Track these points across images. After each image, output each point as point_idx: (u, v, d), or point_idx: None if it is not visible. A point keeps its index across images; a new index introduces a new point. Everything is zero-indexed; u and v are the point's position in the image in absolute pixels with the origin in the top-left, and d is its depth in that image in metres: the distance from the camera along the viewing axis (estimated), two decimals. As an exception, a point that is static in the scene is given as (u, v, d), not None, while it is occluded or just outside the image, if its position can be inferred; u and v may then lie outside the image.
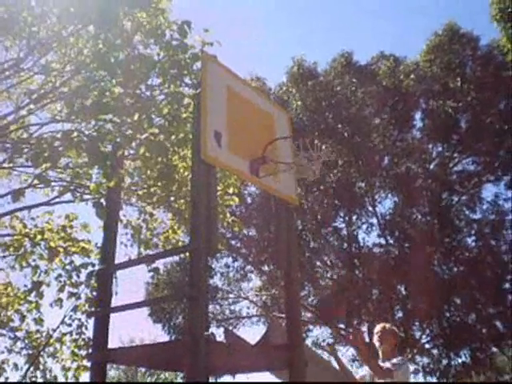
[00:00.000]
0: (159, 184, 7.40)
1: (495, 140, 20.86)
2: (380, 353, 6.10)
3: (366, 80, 21.96)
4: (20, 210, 7.80)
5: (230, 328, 21.96)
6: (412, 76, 21.57)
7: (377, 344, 6.13)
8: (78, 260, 8.55)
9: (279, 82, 23.54)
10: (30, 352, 8.80)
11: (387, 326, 6.22)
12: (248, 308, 24.72)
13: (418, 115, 22.68)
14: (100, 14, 5.94)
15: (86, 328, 8.57)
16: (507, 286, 20.95)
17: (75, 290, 8.46)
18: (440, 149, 22.65)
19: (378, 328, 6.21)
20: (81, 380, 8.56)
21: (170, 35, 6.61)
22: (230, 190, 8.24)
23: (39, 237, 8.42)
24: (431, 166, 22.48)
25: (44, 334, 8.89)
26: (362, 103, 21.53)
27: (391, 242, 21.91)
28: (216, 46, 6.84)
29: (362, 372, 6.34)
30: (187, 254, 5.28)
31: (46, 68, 6.70)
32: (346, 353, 22.92)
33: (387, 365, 5.76)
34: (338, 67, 22.69)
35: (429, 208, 21.54)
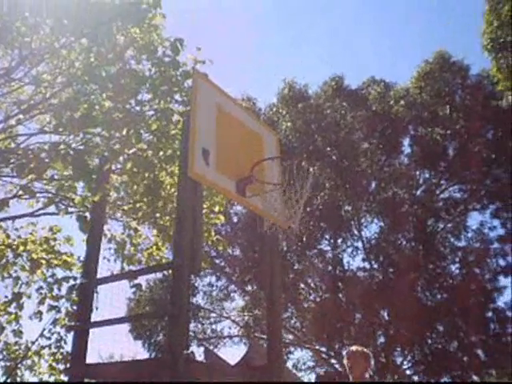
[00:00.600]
0: (145, 200, 7.38)
1: (482, 169, 20.98)
2: (351, 378, 5.75)
3: (355, 104, 22.04)
4: (4, 220, 7.76)
5: (211, 347, 21.80)
6: (402, 102, 21.67)
7: (347, 369, 5.77)
8: (59, 273, 8.50)
9: (269, 103, 23.61)
10: (8, 364, 8.70)
11: (359, 348, 5.84)
12: (230, 328, 24.57)
13: (406, 141, 22.79)
14: (93, 27, 5.95)
15: (65, 342, 8.50)
16: (490, 314, 20.96)
17: (56, 303, 8.40)
18: (427, 175, 22.75)
19: (348, 351, 5.86)
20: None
21: (162, 52, 6.64)
22: (216, 209, 8.23)
23: (22, 248, 8.36)
24: (418, 192, 22.55)
25: (22, 347, 8.79)
26: (352, 127, 21.58)
27: (375, 266, 21.88)
28: (208, 64, 6.89)
29: None
30: (170, 271, 5.25)
31: (37, 79, 6.70)
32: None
33: None
34: (328, 90, 22.79)
35: (414, 234, 21.56)
